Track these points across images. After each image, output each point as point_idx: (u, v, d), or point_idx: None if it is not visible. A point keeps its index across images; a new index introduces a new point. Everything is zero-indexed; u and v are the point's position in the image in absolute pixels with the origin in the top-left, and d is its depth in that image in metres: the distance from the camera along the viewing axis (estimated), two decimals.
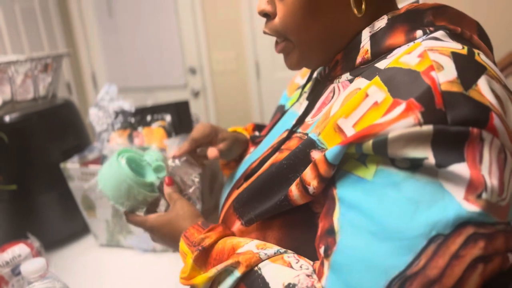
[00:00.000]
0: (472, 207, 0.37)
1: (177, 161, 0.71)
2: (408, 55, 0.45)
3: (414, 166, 0.40)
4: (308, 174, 0.47)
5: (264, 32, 0.59)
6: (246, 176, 0.61)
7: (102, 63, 2.94)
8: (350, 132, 0.44)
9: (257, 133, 0.89)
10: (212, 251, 0.55)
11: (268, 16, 0.57)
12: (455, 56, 0.43)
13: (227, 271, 0.51)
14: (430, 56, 0.43)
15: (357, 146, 0.42)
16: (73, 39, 2.91)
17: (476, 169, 0.38)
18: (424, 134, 0.39)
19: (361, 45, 0.52)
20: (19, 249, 0.84)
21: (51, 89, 1.16)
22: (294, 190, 0.49)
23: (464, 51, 0.44)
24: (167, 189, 0.68)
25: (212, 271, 0.52)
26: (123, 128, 1.14)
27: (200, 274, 0.54)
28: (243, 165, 0.71)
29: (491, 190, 0.38)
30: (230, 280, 0.50)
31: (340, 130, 0.45)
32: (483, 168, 0.38)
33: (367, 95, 0.44)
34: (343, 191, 0.44)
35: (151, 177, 0.68)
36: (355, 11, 0.51)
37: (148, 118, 1.16)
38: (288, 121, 0.65)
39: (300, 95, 0.69)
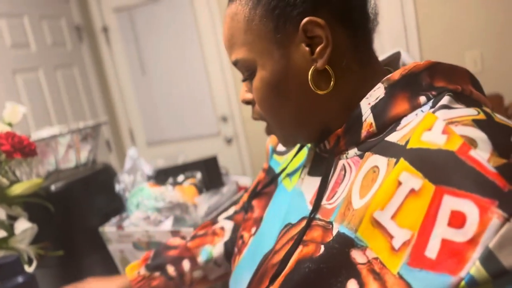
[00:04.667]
0: None
1: None
2: (429, 132, 0.43)
3: None
4: None
5: (254, 118, 0.60)
6: (272, 277, 0.54)
7: (138, 119, 3.09)
8: (390, 225, 0.42)
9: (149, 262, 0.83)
10: None
11: (250, 103, 0.60)
12: (480, 126, 0.41)
13: None
14: (456, 131, 0.41)
15: (468, 282, 0.37)
16: (110, 98, 3.10)
17: None
18: None
19: (363, 118, 0.51)
20: None
21: (91, 156, 1.26)
22: None
23: (482, 115, 0.42)
24: None
25: None
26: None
27: None
28: (252, 249, 0.65)
29: None
30: None
31: (378, 224, 0.43)
32: None
33: (399, 183, 0.42)
34: None
35: None
36: (317, 91, 0.51)
37: (180, 178, 1.22)
38: (297, 204, 0.60)
39: (299, 169, 0.64)
